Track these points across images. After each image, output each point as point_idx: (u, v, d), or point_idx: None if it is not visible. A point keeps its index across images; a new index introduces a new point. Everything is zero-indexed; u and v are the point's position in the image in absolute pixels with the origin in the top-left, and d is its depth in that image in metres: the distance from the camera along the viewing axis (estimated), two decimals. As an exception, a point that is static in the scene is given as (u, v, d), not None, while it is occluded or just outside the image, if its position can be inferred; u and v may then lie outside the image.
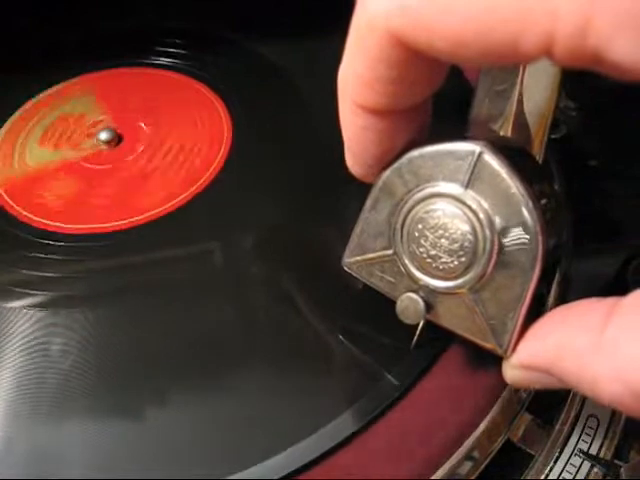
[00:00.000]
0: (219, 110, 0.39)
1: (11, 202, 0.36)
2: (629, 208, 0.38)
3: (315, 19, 0.44)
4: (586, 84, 0.44)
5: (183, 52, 0.43)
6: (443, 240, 0.25)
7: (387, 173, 0.26)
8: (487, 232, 0.24)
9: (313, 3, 0.45)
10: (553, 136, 0.40)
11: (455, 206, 0.25)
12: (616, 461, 0.28)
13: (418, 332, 0.27)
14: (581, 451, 0.28)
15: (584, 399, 0.30)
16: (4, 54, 0.45)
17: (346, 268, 0.28)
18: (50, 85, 0.42)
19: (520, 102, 0.29)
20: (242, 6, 0.46)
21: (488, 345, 0.25)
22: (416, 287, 0.26)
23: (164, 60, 0.43)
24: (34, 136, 0.39)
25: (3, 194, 0.37)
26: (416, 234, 0.25)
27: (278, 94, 0.40)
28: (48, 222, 0.35)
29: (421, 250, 0.25)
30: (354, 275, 0.28)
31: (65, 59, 0.44)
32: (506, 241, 0.24)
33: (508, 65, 0.29)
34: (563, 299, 0.32)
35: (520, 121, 0.29)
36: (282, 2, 0.46)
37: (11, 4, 0.46)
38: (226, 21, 0.45)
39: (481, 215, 0.24)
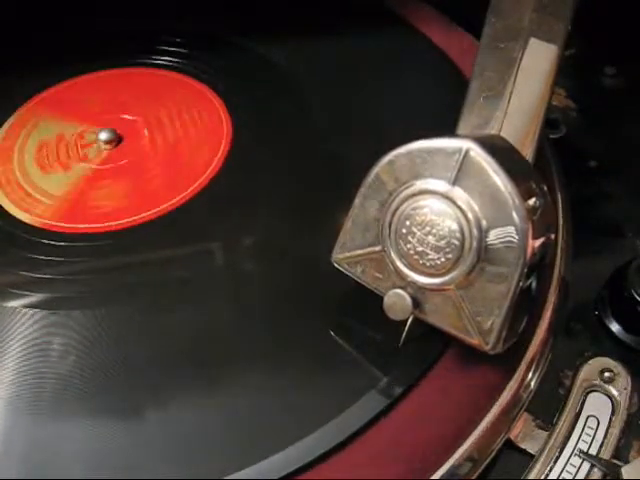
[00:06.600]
0: (219, 110, 0.39)
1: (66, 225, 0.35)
2: (629, 208, 0.38)
3: (315, 19, 0.44)
4: (586, 84, 0.44)
5: (183, 52, 0.43)
6: (430, 237, 0.25)
7: (376, 170, 0.26)
8: (474, 230, 0.24)
9: (314, 3, 0.45)
10: (553, 136, 0.40)
11: (442, 203, 0.25)
12: (616, 461, 0.28)
13: (406, 328, 0.27)
14: (581, 451, 0.28)
15: (584, 399, 0.30)
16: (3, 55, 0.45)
17: (335, 264, 0.28)
18: (48, 85, 0.42)
19: (512, 102, 0.29)
20: (243, 6, 0.46)
21: (474, 341, 0.25)
22: (404, 283, 0.26)
23: (164, 60, 0.43)
24: (32, 168, 0.38)
25: (55, 224, 0.35)
26: (403, 231, 0.25)
27: (278, 94, 0.40)
28: (48, 222, 0.35)
29: (408, 247, 0.25)
30: (343, 271, 0.28)
31: (64, 59, 0.44)
32: (493, 239, 0.24)
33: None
34: (563, 299, 0.32)
35: (511, 121, 0.29)
36: (283, 2, 0.46)
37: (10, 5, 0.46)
38: (227, 21, 0.45)
39: (469, 214, 0.24)
